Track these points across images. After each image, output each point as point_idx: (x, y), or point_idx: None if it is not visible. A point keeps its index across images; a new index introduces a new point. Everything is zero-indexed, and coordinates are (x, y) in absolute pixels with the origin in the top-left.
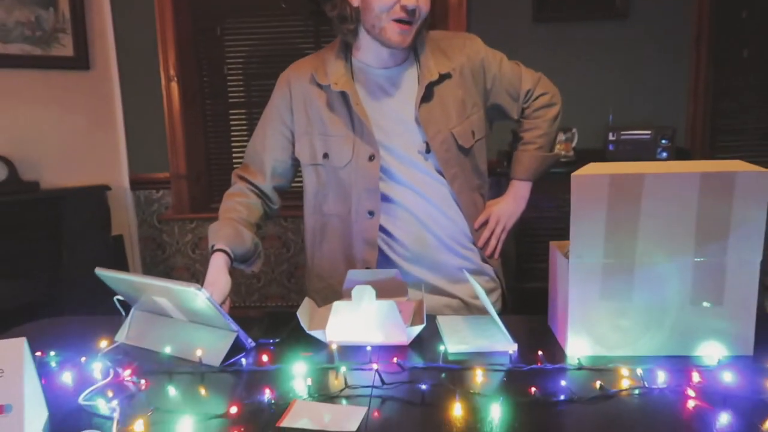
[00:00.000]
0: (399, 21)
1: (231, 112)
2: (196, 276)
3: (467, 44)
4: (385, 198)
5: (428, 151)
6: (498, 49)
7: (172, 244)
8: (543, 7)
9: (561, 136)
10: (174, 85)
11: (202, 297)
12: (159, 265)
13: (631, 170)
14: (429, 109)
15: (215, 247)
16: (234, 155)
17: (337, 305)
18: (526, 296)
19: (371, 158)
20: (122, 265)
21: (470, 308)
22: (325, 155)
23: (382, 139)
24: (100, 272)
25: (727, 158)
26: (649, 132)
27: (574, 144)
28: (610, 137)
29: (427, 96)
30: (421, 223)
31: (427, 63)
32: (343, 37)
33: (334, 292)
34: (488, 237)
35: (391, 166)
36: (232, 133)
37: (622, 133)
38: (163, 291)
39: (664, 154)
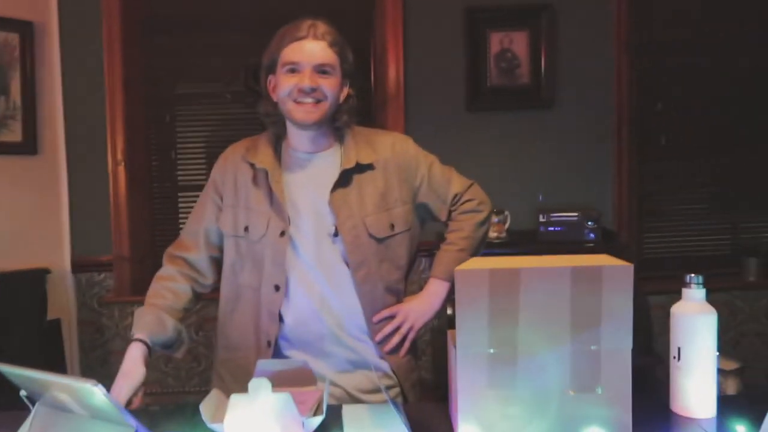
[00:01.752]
0: (299, 102)
1: (179, 194)
2: None
3: (397, 142)
4: (290, 275)
5: (336, 234)
6: (433, 136)
7: (112, 328)
8: (475, 97)
9: (494, 219)
10: (121, 169)
11: (98, 393)
12: (97, 350)
13: (510, 265)
14: (344, 195)
15: (134, 336)
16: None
17: (234, 399)
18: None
19: (282, 234)
20: (58, 350)
21: (355, 401)
22: (246, 228)
23: (295, 217)
24: (3, 368)
25: (654, 238)
26: (576, 214)
27: (507, 226)
28: (541, 219)
29: (343, 182)
30: (313, 307)
31: (348, 152)
32: (272, 128)
33: (238, 366)
34: (388, 332)
35: (301, 244)
36: (180, 215)
37: (551, 215)
38: (64, 387)
39: (592, 236)
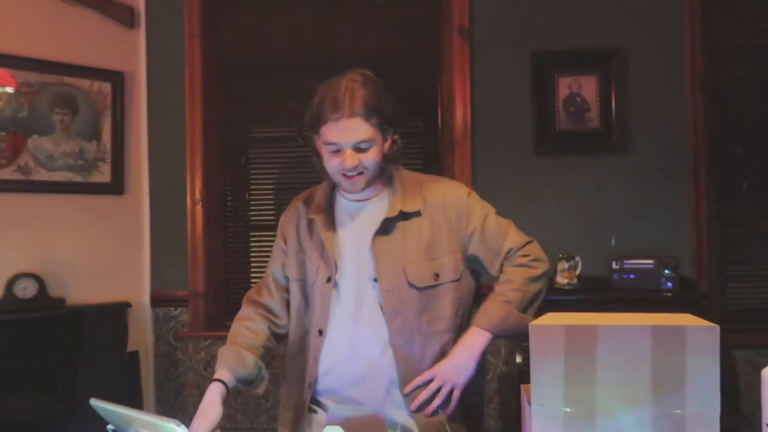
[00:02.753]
0: (345, 175)
1: (251, 234)
2: None
3: (450, 190)
4: (332, 320)
5: (376, 280)
6: (501, 180)
7: (186, 361)
8: (544, 141)
9: (564, 264)
10: (198, 209)
11: None
12: (171, 382)
13: (586, 321)
14: (386, 241)
15: (214, 376)
16: (252, 275)
17: None
18: None
19: (328, 280)
20: (136, 381)
21: None
22: (305, 274)
23: (341, 264)
24: (95, 403)
25: (738, 288)
26: (651, 262)
27: (578, 272)
28: (614, 266)
29: (386, 230)
30: (345, 353)
31: (394, 200)
32: (327, 180)
33: (294, 407)
34: (425, 399)
35: (343, 290)
36: (251, 254)
37: (625, 262)
38: (147, 425)
39: (669, 284)
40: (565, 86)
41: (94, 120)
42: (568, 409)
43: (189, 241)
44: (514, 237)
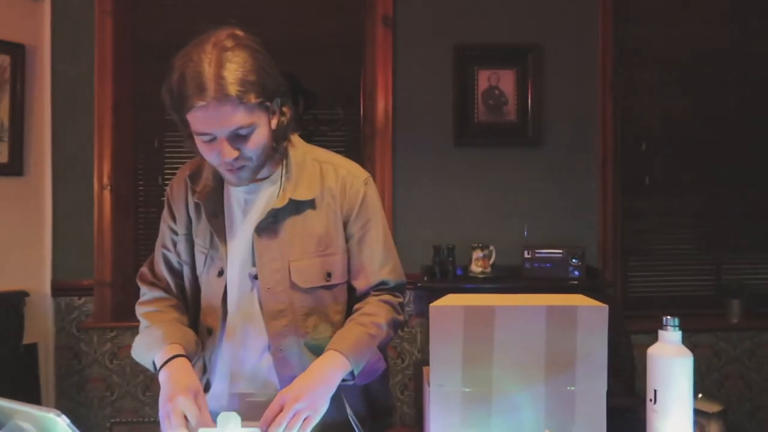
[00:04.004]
0: (227, 170)
1: None
2: (112, 388)
3: (347, 175)
4: (224, 320)
5: (255, 278)
6: (421, 170)
7: (90, 354)
8: (463, 133)
9: (479, 253)
10: (107, 193)
11: (62, 424)
12: (74, 376)
13: (484, 302)
14: (271, 234)
15: (172, 353)
16: None
17: None
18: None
19: (220, 273)
20: (33, 375)
21: None
22: (192, 261)
23: (231, 256)
24: None
25: (639, 277)
26: (561, 251)
27: (492, 261)
28: (526, 255)
29: (272, 220)
30: (230, 360)
31: (286, 185)
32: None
33: None
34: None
35: (229, 288)
36: None
37: (536, 251)
38: (28, 416)
39: (576, 273)
40: (484, 79)
41: None
42: (466, 389)
43: (95, 227)
44: (395, 270)
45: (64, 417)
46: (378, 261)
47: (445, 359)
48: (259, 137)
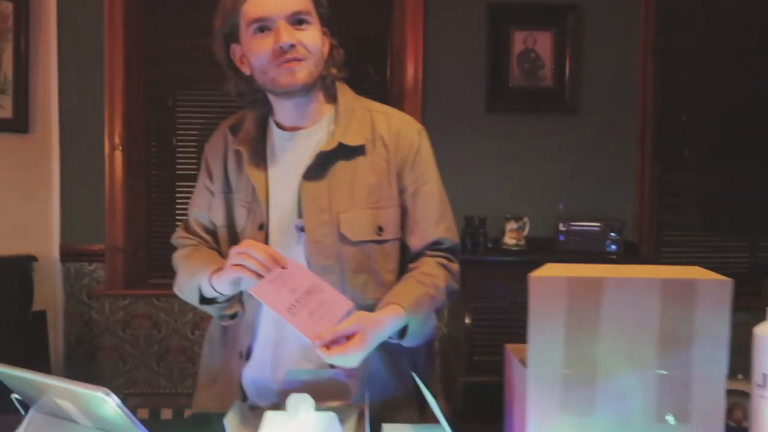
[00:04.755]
0: (282, 64)
1: (177, 184)
2: (124, 358)
3: (401, 125)
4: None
5: (302, 229)
6: (450, 135)
7: (101, 322)
8: (496, 98)
9: (513, 225)
10: (118, 154)
11: (111, 403)
12: (84, 345)
13: (589, 273)
14: (318, 183)
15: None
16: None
17: (269, 416)
18: (477, 391)
19: (260, 228)
20: (42, 344)
21: None
22: (232, 218)
23: (274, 208)
24: None
25: (671, 252)
26: (598, 224)
27: (525, 233)
28: (561, 227)
29: (320, 167)
30: (269, 318)
31: (335, 128)
32: (251, 108)
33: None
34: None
35: (272, 241)
36: (177, 205)
37: (572, 224)
38: (67, 393)
39: (613, 247)
40: (520, 41)
41: None
42: (567, 371)
43: (106, 189)
44: (450, 230)
45: (113, 396)
46: (433, 217)
47: (544, 337)
48: (316, 35)
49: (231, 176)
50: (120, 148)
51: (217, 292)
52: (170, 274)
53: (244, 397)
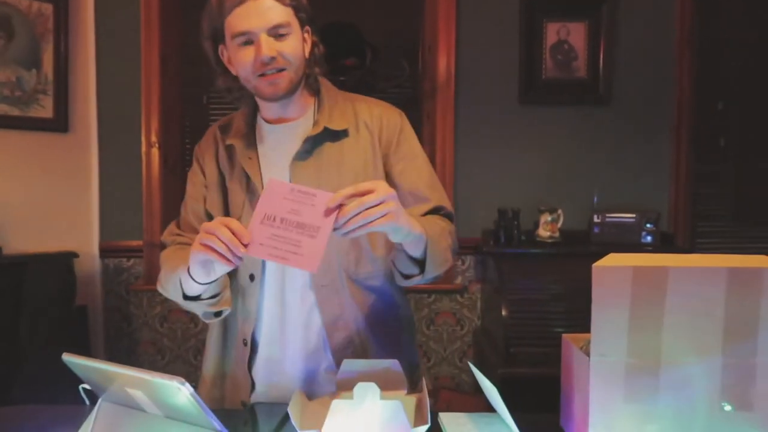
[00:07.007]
0: (263, 75)
1: None
2: (162, 352)
3: (382, 110)
4: (268, 264)
5: None
6: (483, 128)
7: (140, 317)
8: (529, 90)
9: (547, 217)
10: (155, 151)
11: (185, 392)
12: (123, 339)
13: (654, 263)
14: (308, 165)
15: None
16: None
17: (336, 404)
18: (516, 382)
19: None
20: (84, 338)
21: None
22: (228, 210)
23: None
24: (69, 359)
25: (707, 243)
26: (633, 216)
27: (560, 225)
28: (595, 219)
29: (308, 151)
30: (276, 302)
31: (319, 116)
32: (237, 104)
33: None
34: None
35: None
36: None
37: (607, 215)
38: (139, 383)
39: (649, 238)
40: (553, 32)
41: (34, 46)
42: (631, 360)
43: (144, 186)
44: (444, 199)
45: (187, 386)
46: (425, 186)
47: (608, 326)
48: (296, 43)
49: (224, 172)
50: (156, 145)
51: (195, 281)
52: None
53: (252, 385)
